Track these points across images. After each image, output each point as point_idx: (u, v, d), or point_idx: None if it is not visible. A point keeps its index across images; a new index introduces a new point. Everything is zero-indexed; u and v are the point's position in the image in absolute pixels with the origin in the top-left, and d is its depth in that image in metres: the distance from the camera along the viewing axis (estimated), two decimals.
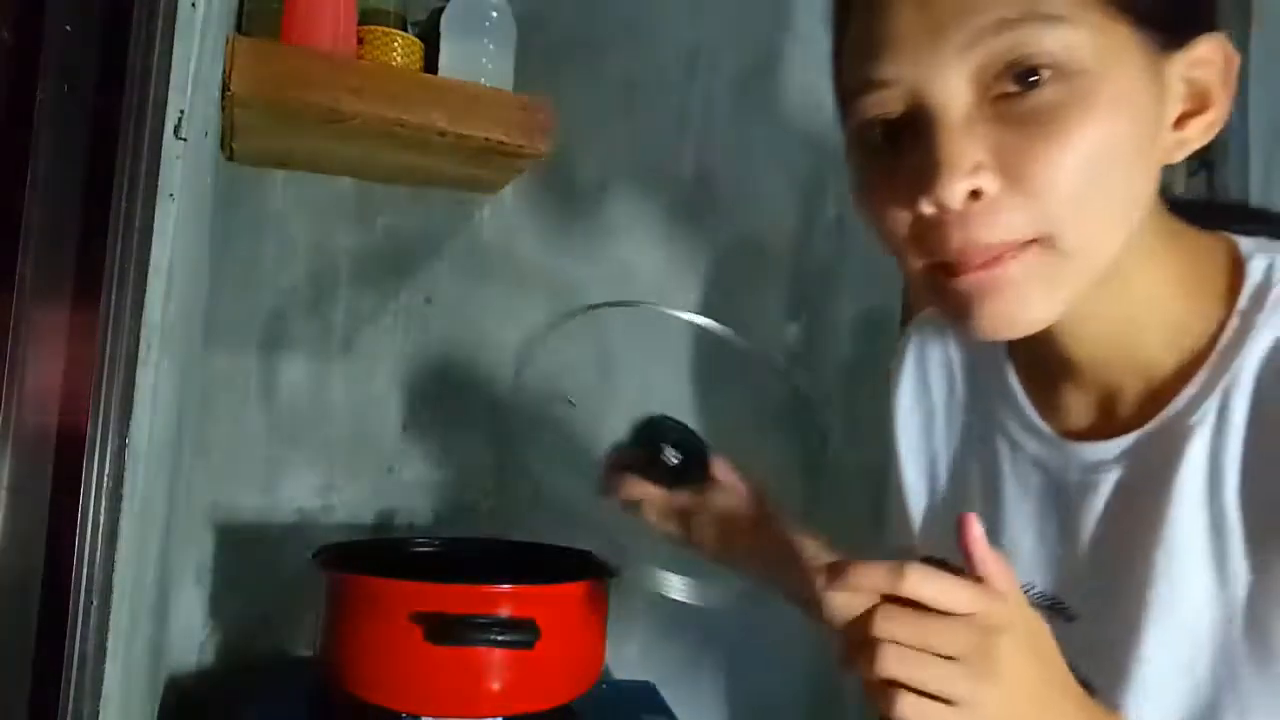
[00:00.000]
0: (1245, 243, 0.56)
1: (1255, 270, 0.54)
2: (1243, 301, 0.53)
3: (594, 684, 0.81)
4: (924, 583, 0.44)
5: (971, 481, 0.67)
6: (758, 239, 1.23)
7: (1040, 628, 0.48)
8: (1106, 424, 0.58)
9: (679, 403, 1.19)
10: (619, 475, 0.75)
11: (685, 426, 0.69)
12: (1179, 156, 0.52)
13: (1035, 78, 0.47)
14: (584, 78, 1.15)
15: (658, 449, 0.66)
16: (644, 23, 1.18)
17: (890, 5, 0.49)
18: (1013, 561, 0.59)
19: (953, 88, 0.47)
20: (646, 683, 1.04)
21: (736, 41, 1.23)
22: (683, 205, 1.20)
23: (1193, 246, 0.56)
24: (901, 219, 0.50)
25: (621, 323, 1.17)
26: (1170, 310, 0.55)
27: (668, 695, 1.00)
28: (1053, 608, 0.59)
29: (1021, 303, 0.49)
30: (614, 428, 1.14)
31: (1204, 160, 1.44)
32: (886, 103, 0.50)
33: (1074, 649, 0.51)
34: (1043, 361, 0.60)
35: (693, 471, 0.69)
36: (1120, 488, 0.57)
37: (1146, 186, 0.51)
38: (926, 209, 0.48)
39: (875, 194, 0.52)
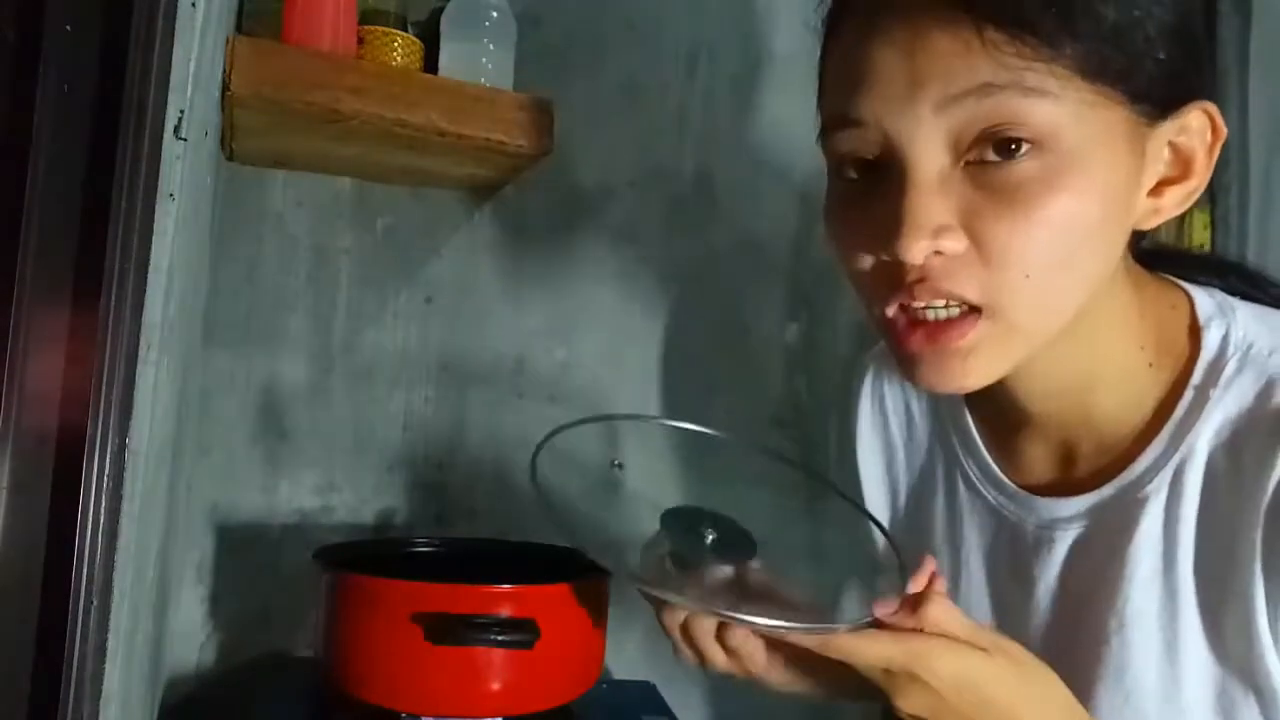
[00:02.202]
0: (1204, 304, 0.56)
1: (1211, 341, 0.55)
2: (1198, 375, 0.54)
3: (594, 684, 0.81)
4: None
5: (933, 518, 0.68)
6: (758, 239, 1.23)
7: (973, 677, 0.49)
8: (1063, 479, 0.59)
9: (680, 403, 1.19)
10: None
11: (714, 512, 0.61)
12: (1151, 224, 0.51)
13: (1014, 148, 0.46)
14: (584, 78, 1.15)
15: (693, 533, 0.58)
16: (644, 23, 1.18)
17: (877, 43, 0.48)
18: (969, 601, 0.62)
19: (929, 147, 0.47)
20: (646, 683, 1.04)
21: (737, 41, 1.23)
22: (683, 205, 1.20)
23: (1154, 304, 0.56)
24: (865, 260, 0.51)
25: (611, 340, 1.17)
26: (1128, 371, 0.56)
27: (668, 695, 1.00)
28: None
29: (965, 371, 0.50)
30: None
31: None
32: (862, 143, 0.50)
33: None
34: (1000, 410, 0.61)
35: (735, 548, 0.60)
36: (1076, 547, 0.58)
37: (1111, 257, 0.51)
38: (886, 258, 0.49)
39: (843, 230, 0.53)
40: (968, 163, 0.48)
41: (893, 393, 0.73)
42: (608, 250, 1.17)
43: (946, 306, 0.49)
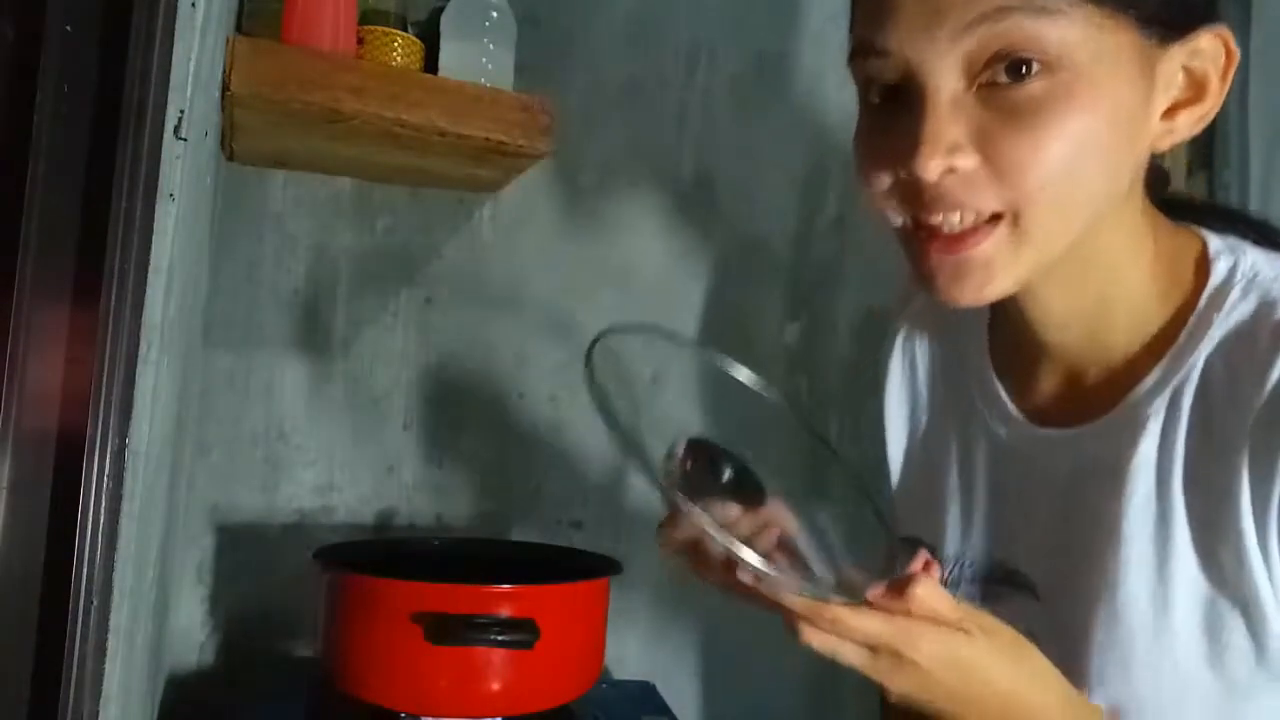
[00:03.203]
0: (1215, 242, 0.58)
1: (1219, 271, 0.56)
2: (1202, 301, 0.56)
3: (594, 684, 0.81)
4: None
5: (948, 455, 0.70)
6: (758, 239, 1.23)
7: (959, 655, 0.49)
8: (1072, 408, 0.61)
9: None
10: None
11: (735, 453, 0.63)
12: (1165, 146, 0.53)
13: (1025, 70, 0.48)
14: (584, 78, 1.15)
15: (711, 467, 0.60)
16: (644, 22, 1.18)
17: None
18: (979, 532, 0.64)
19: (944, 72, 0.50)
20: (646, 683, 1.04)
21: (737, 41, 1.23)
22: (683, 205, 1.20)
23: (1168, 242, 0.58)
24: (883, 178, 0.53)
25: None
26: (1138, 301, 0.58)
27: (668, 695, 1.00)
28: (1022, 585, 0.62)
29: (982, 280, 0.52)
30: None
31: (1204, 160, 1.45)
32: (884, 69, 0.52)
33: (1040, 628, 0.56)
34: (1018, 344, 0.63)
35: (746, 494, 0.61)
36: (1076, 473, 0.59)
37: (1121, 176, 0.53)
38: (905, 175, 0.51)
39: (866, 151, 0.55)
40: (980, 85, 0.50)
41: (923, 347, 0.75)
42: (607, 250, 1.17)
43: (961, 219, 0.51)
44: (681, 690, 1.15)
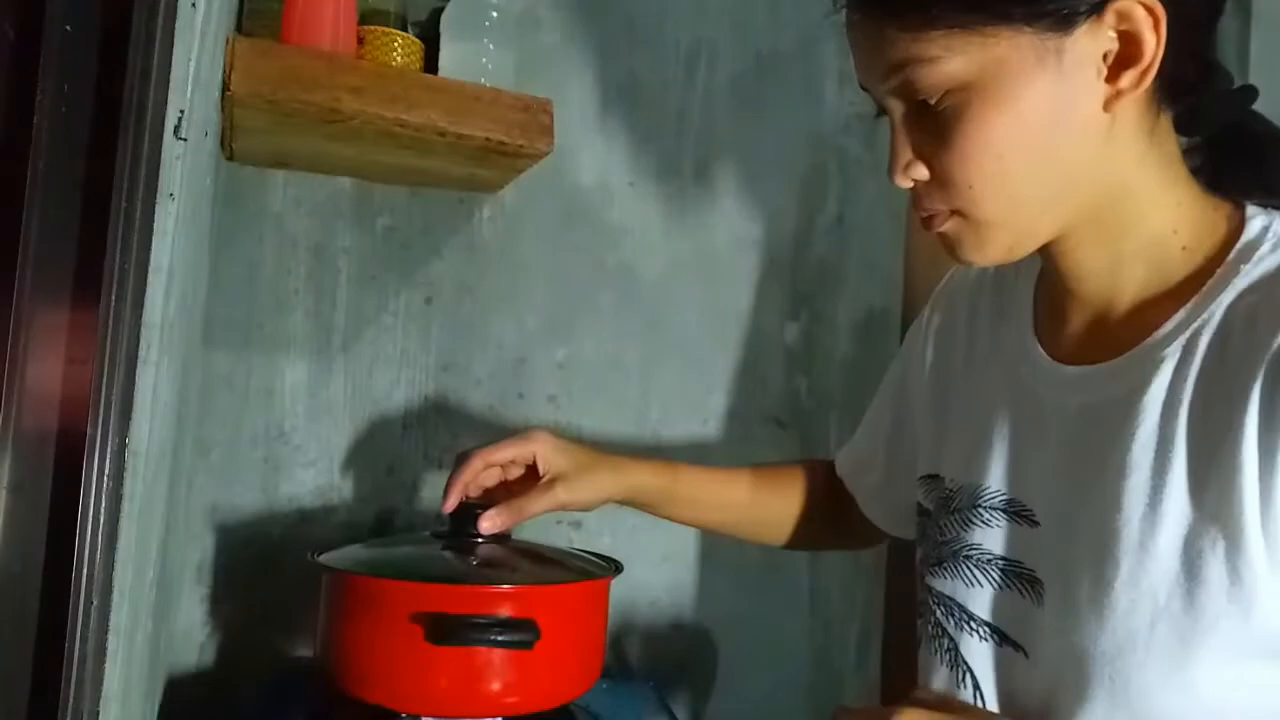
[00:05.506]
0: (1254, 208, 0.61)
1: (1252, 228, 0.59)
2: (1232, 254, 0.59)
3: (594, 684, 0.81)
4: None
5: (975, 403, 0.72)
6: (758, 238, 1.24)
7: None
8: (1094, 350, 0.64)
9: (680, 402, 1.19)
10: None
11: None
12: (1118, 105, 0.57)
13: (935, 98, 0.57)
14: (584, 78, 1.15)
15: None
16: (644, 23, 1.18)
17: (848, 31, 0.61)
18: (994, 470, 0.68)
19: (893, 103, 0.60)
20: (646, 683, 1.04)
21: (736, 41, 1.23)
22: (683, 205, 1.20)
23: (1194, 202, 0.62)
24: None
25: (624, 323, 1.17)
26: (1158, 252, 0.61)
27: (668, 695, 1.00)
28: (1019, 514, 0.66)
29: (960, 251, 0.62)
30: (619, 428, 1.14)
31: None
32: (874, 101, 0.62)
33: (1035, 552, 0.63)
34: (1056, 296, 0.68)
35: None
36: (1089, 409, 0.62)
37: (1069, 150, 0.57)
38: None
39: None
40: (917, 105, 0.58)
41: (963, 299, 0.79)
42: (607, 250, 1.17)
43: (931, 214, 0.61)
44: (682, 691, 1.15)
